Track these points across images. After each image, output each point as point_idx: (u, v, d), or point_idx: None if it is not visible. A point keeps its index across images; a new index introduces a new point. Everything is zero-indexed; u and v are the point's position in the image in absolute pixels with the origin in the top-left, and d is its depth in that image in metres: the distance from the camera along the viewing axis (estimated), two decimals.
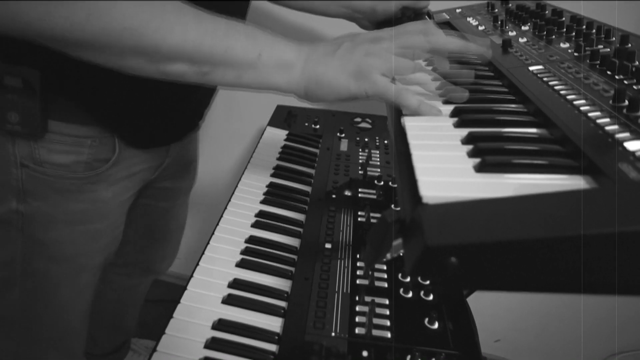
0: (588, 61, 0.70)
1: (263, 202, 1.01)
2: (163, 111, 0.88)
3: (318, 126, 1.35)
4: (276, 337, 0.72)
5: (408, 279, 0.81)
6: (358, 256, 0.86)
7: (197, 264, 0.83)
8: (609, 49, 0.72)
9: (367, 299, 0.76)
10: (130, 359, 1.59)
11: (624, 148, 0.46)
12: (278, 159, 1.19)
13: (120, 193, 0.93)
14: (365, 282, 0.80)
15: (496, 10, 1.12)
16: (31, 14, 0.55)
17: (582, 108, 0.56)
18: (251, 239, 0.90)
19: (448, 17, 1.18)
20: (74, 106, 0.79)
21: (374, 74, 0.67)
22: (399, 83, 0.70)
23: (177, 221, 1.30)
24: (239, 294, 0.78)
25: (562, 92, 0.62)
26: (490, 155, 0.50)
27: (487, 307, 1.74)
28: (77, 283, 0.95)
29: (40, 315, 0.95)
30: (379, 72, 0.67)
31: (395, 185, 1.07)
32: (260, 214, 0.97)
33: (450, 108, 0.65)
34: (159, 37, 0.61)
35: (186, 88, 0.71)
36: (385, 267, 0.83)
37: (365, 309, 0.74)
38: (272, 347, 0.70)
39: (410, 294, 0.78)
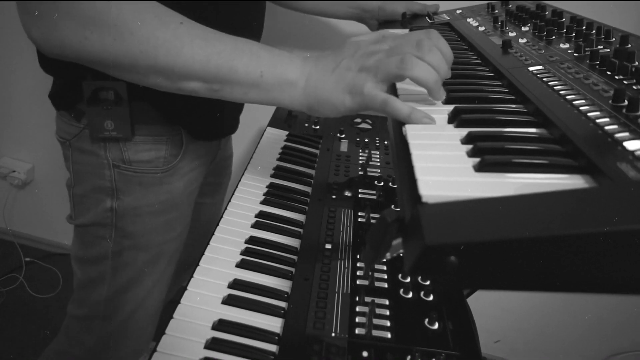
0: (588, 61, 0.70)
1: (263, 202, 1.01)
2: (217, 105, 0.95)
3: (318, 127, 1.35)
4: (276, 338, 0.72)
5: (408, 280, 0.81)
6: (358, 256, 0.86)
7: (197, 265, 0.83)
8: (608, 50, 0.72)
9: (367, 299, 0.76)
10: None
11: (624, 147, 0.46)
12: (278, 159, 1.19)
13: (188, 184, 1.02)
14: (365, 282, 0.80)
15: (496, 11, 1.12)
16: (72, 38, 0.66)
17: (581, 108, 0.56)
18: (251, 240, 0.90)
19: (448, 18, 1.19)
20: (152, 109, 0.88)
21: (365, 87, 0.69)
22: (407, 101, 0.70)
23: (217, 217, 1.35)
24: (239, 295, 0.78)
25: (562, 92, 0.62)
26: (489, 154, 0.50)
27: (487, 307, 1.74)
28: (158, 269, 1.03)
29: (122, 307, 1.02)
30: (373, 84, 0.69)
31: (396, 186, 1.07)
32: (260, 214, 0.97)
33: (450, 108, 0.65)
34: (170, 59, 0.68)
35: None
36: (385, 268, 0.83)
37: (365, 309, 0.74)
38: (272, 348, 0.70)
39: (410, 295, 0.78)
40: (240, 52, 0.71)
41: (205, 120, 0.99)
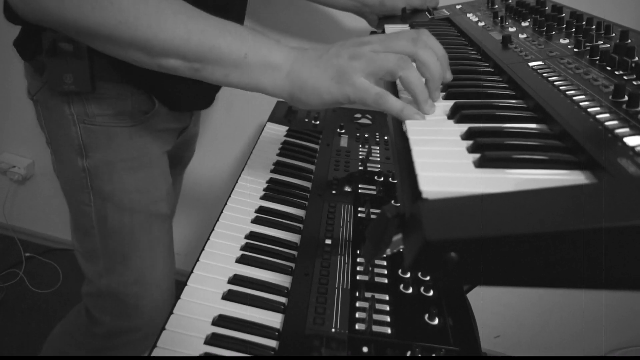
0: (588, 57, 0.70)
1: (263, 197, 1.01)
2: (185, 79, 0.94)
3: (318, 122, 1.35)
4: (276, 333, 0.72)
5: (408, 275, 0.81)
6: (358, 252, 0.86)
7: (197, 260, 0.83)
8: (608, 45, 0.72)
9: (367, 294, 0.76)
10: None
11: (624, 143, 0.46)
12: (278, 154, 1.19)
13: (163, 144, 1.01)
14: (365, 277, 0.80)
15: (496, 6, 1.12)
16: (50, 3, 0.64)
17: (581, 103, 0.56)
18: (251, 235, 0.90)
19: (448, 14, 1.18)
20: (114, 68, 0.86)
21: (355, 76, 0.67)
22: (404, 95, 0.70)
23: (175, 190, 1.37)
24: (239, 290, 0.78)
25: (561, 87, 0.62)
26: (490, 150, 0.50)
27: (487, 303, 1.74)
28: (152, 233, 1.01)
29: (125, 279, 1.00)
30: (362, 75, 0.67)
31: (396, 181, 1.07)
32: (260, 209, 0.97)
33: (450, 104, 0.65)
34: (150, 32, 0.66)
35: None
36: (385, 263, 0.83)
37: (365, 304, 0.74)
38: (272, 343, 0.70)
39: (410, 290, 0.78)
40: (225, 31, 0.70)
41: (172, 89, 0.95)
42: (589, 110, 0.54)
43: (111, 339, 1.07)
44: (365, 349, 0.68)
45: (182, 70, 0.71)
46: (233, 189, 1.02)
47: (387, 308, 0.75)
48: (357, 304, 0.75)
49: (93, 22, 0.65)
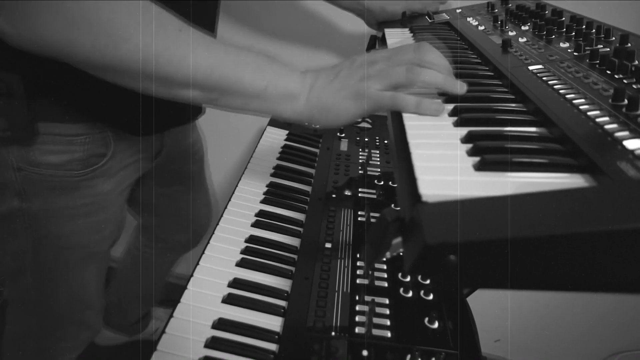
0: (588, 60, 0.70)
1: (263, 201, 1.01)
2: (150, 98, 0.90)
3: (318, 126, 1.35)
4: (276, 337, 0.72)
5: (408, 279, 0.81)
6: (358, 256, 0.86)
7: (197, 264, 0.83)
8: (608, 49, 0.72)
9: (367, 298, 0.76)
10: (153, 326, 1.69)
11: (623, 147, 0.46)
12: (278, 158, 1.19)
13: (118, 184, 0.95)
14: (365, 281, 0.80)
15: (496, 10, 1.12)
16: (59, 38, 0.59)
17: (581, 107, 0.56)
18: (251, 239, 0.90)
19: (448, 18, 1.18)
20: (61, 106, 0.80)
21: (370, 90, 0.70)
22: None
23: (199, 201, 1.38)
24: (239, 293, 0.78)
25: (561, 91, 0.62)
26: (489, 153, 0.50)
27: (487, 306, 1.74)
28: (87, 268, 0.99)
29: (55, 295, 0.99)
30: (378, 86, 0.70)
31: (395, 185, 1.07)
32: (261, 213, 0.97)
33: (450, 107, 0.65)
34: (171, 68, 0.65)
35: None
36: (385, 267, 0.83)
37: (365, 308, 0.74)
38: (272, 347, 0.70)
39: (410, 294, 0.78)
40: (245, 64, 0.70)
41: (133, 111, 0.84)
42: (589, 113, 0.54)
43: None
44: (365, 353, 0.68)
45: (199, 100, 0.71)
46: (233, 192, 1.02)
47: (387, 312, 0.75)
48: (357, 308, 0.75)
49: (108, 58, 0.62)
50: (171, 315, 0.73)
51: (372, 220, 0.96)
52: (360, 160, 1.18)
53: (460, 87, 0.68)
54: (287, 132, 1.31)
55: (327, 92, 0.72)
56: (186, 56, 0.65)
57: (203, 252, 0.85)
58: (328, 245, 0.88)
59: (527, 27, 0.93)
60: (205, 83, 0.68)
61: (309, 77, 0.74)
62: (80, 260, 0.97)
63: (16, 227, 0.88)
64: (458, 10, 1.23)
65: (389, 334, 0.71)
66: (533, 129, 0.58)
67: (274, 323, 0.74)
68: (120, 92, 0.68)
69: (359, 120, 1.39)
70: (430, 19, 1.21)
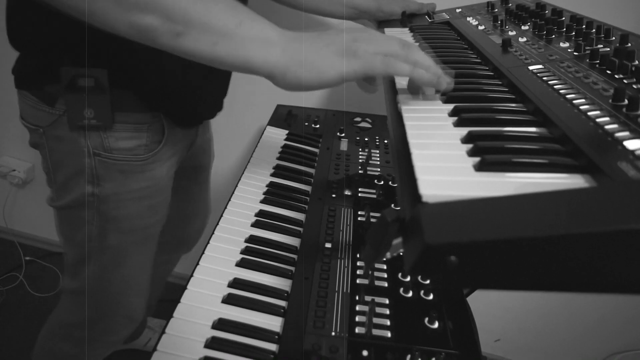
0: (588, 60, 0.70)
1: (263, 201, 1.01)
2: (196, 91, 0.96)
3: (318, 126, 1.35)
4: (276, 337, 0.72)
5: (408, 279, 0.81)
6: (358, 256, 0.86)
7: (197, 264, 0.83)
8: (608, 48, 0.72)
9: (367, 298, 0.76)
10: (146, 335, 1.70)
11: (624, 147, 0.46)
12: (278, 158, 1.19)
13: (170, 169, 1.02)
14: (365, 281, 0.80)
15: (496, 10, 1.12)
16: None
17: (581, 107, 0.56)
18: (251, 239, 0.90)
19: (448, 17, 1.18)
20: (132, 97, 0.87)
21: (360, 50, 0.66)
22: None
23: (202, 197, 1.40)
24: (239, 294, 0.78)
25: (561, 91, 0.62)
26: (490, 154, 0.50)
27: (487, 306, 1.74)
28: (144, 250, 1.06)
29: (111, 284, 1.04)
30: (371, 48, 0.67)
31: (395, 185, 1.07)
32: (260, 213, 0.97)
33: (450, 107, 0.65)
34: None
35: (210, 68, 0.68)
36: (385, 267, 0.83)
37: (365, 308, 0.74)
38: (272, 347, 0.70)
39: (410, 294, 0.78)
40: None
41: (186, 106, 0.97)
42: (589, 113, 0.54)
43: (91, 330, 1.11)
44: (365, 353, 0.68)
45: (159, 33, 0.60)
46: (233, 192, 1.02)
47: (387, 312, 0.75)
48: (357, 308, 0.75)
49: None
50: (171, 316, 0.73)
51: (372, 220, 0.96)
52: (360, 160, 1.18)
53: (447, 83, 0.69)
54: (287, 131, 1.31)
55: (312, 47, 0.65)
56: None
57: (203, 252, 0.85)
58: (328, 245, 0.88)
59: (527, 27, 0.93)
60: (171, 8, 0.59)
61: (290, 32, 0.67)
62: (137, 244, 1.02)
63: (86, 214, 0.94)
64: (458, 10, 1.23)
65: (388, 334, 0.71)
66: (533, 129, 0.58)
67: (274, 323, 0.74)
68: (173, 84, 0.74)
69: (359, 119, 1.39)
70: (430, 19, 1.21)
